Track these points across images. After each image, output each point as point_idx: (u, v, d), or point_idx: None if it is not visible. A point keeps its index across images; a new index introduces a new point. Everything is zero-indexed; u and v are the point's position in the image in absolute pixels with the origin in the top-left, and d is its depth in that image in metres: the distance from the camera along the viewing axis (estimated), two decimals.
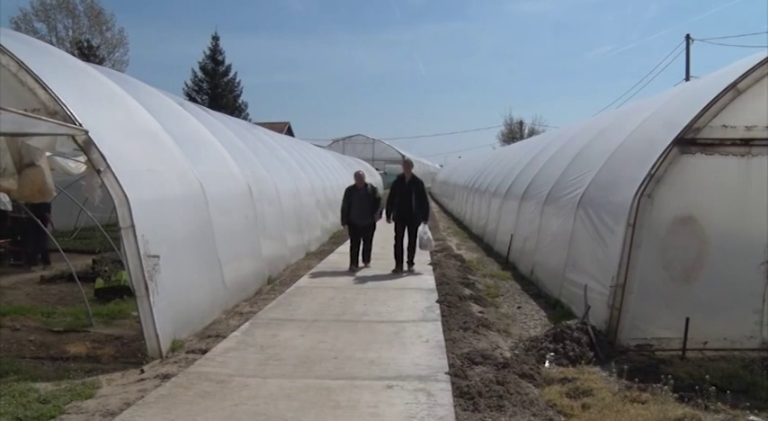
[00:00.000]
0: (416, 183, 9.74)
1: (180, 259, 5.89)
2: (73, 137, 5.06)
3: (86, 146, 5.09)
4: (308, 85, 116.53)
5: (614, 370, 4.88)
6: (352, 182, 10.31)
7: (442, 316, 6.53)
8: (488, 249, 12.94)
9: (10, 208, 9.15)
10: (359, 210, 9.85)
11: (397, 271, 9.60)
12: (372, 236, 10.16)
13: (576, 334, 5.48)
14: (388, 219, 9.85)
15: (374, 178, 36.12)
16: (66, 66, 6.43)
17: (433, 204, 31.74)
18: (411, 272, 9.64)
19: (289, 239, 10.69)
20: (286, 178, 11.84)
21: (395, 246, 9.72)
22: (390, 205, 9.82)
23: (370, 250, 10.28)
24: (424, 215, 9.79)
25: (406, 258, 9.76)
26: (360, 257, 10.15)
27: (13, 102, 4.86)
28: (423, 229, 9.74)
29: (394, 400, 4.15)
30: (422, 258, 10.93)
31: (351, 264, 9.98)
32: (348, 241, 10.64)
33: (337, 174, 20.32)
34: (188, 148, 7.16)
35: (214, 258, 6.80)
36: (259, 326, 6.21)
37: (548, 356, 5.29)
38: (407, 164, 10.02)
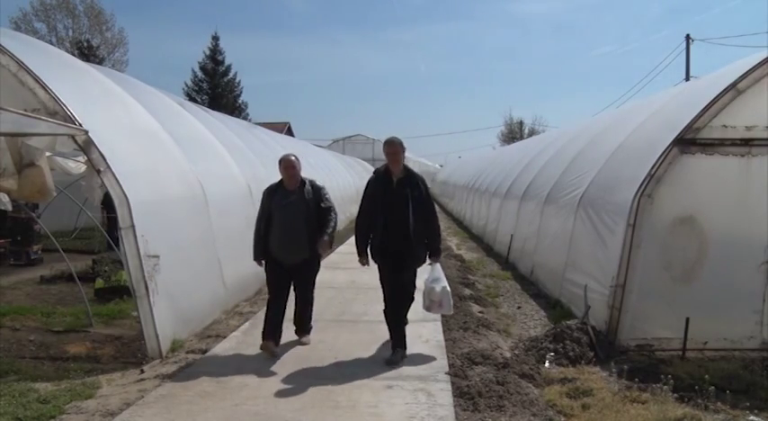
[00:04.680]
0: (414, 184, 5.14)
1: (180, 259, 5.88)
2: (73, 137, 5.06)
3: (86, 146, 5.09)
4: (308, 85, 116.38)
5: (614, 370, 4.88)
6: (314, 177, 5.70)
7: (442, 316, 6.52)
8: (488, 249, 12.94)
9: (10, 208, 9.15)
10: (286, 230, 5.25)
11: (396, 355, 5.03)
12: (312, 282, 5.59)
13: (576, 334, 5.48)
14: (362, 258, 5.23)
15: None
16: (66, 66, 6.43)
17: None
18: (401, 356, 5.05)
19: None
20: None
21: (385, 312, 5.26)
22: (366, 228, 5.23)
23: (310, 311, 5.64)
24: (431, 245, 5.26)
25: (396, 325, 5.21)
26: (289, 325, 5.54)
27: (13, 102, 4.86)
28: (433, 274, 5.38)
29: (394, 400, 4.16)
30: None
31: (264, 340, 5.23)
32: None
33: (337, 174, 20.32)
34: (188, 148, 7.16)
35: (214, 258, 6.80)
36: (259, 326, 6.19)
37: (548, 356, 5.29)
38: (393, 147, 5.15)
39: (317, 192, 5.47)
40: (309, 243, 5.31)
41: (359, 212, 5.32)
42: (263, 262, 5.45)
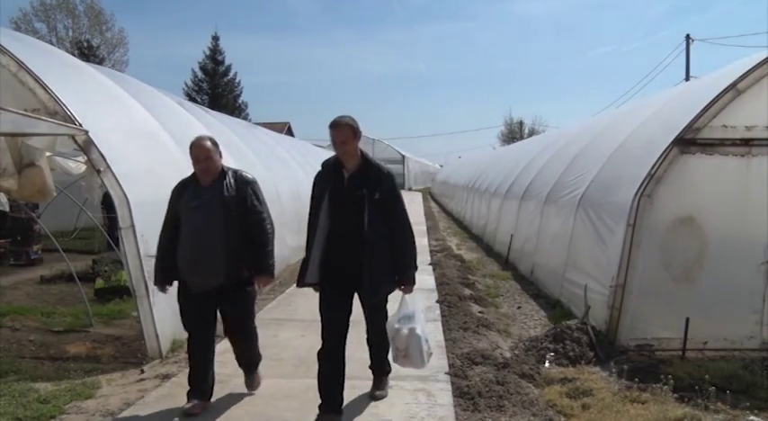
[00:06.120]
0: (375, 181, 3.74)
1: None
2: (73, 137, 5.06)
3: (86, 146, 5.09)
4: (308, 85, 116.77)
5: (614, 370, 4.88)
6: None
7: (442, 316, 6.53)
8: (488, 249, 12.93)
9: (7, 208, 9.17)
10: (194, 242, 3.85)
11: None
12: (248, 315, 4.15)
13: (576, 334, 5.48)
14: (301, 279, 3.80)
15: None
16: (66, 66, 6.43)
17: (432, 204, 31.67)
18: None
19: (288, 239, 10.69)
20: (286, 178, 11.85)
21: (320, 359, 3.76)
22: (314, 241, 3.75)
23: (254, 348, 4.25)
24: (402, 267, 3.83)
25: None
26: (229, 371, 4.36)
27: (13, 102, 4.86)
28: (402, 311, 3.89)
29: (394, 400, 4.16)
30: (421, 257, 10.88)
31: (188, 397, 3.90)
32: None
33: None
34: (188, 149, 7.15)
35: None
36: (258, 327, 6.19)
37: (548, 356, 5.29)
38: (341, 131, 3.74)
39: (243, 186, 3.93)
40: (228, 262, 3.79)
41: (308, 221, 3.85)
42: (177, 287, 4.02)
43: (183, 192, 3.97)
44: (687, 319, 5.27)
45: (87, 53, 32.20)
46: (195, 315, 3.97)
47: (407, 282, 3.87)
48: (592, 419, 4.00)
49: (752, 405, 4.23)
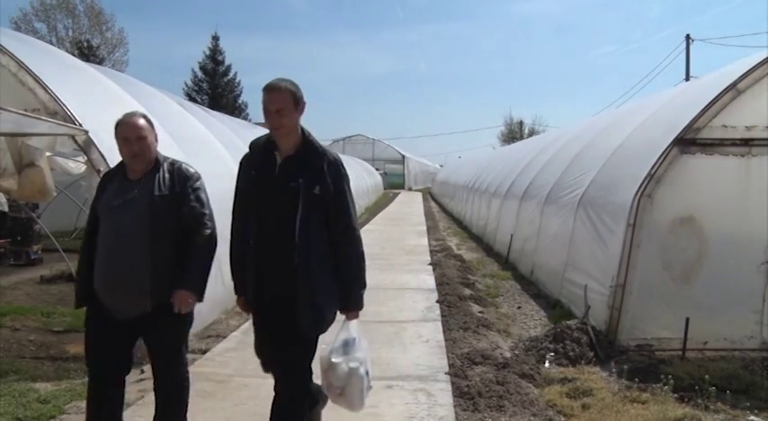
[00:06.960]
0: (316, 170, 2.78)
1: None
2: (73, 137, 5.06)
3: (86, 146, 5.09)
4: (307, 85, 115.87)
5: (614, 370, 4.89)
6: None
7: (442, 316, 6.53)
8: (488, 249, 12.93)
9: (6, 209, 9.15)
10: (113, 253, 2.89)
11: None
12: (178, 355, 3.18)
13: (576, 334, 5.48)
14: (239, 298, 3.11)
15: (373, 179, 35.69)
16: (66, 66, 6.43)
17: (432, 204, 31.62)
18: None
19: None
20: None
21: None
22: (238, 248, 2.94)
23: (179, 415, 3.12)
24: (347, 285, 2.93)
25: None
26: None
27: (13, 102, 4.86)
28: (341, 338, 3.00)
29: (394, 400, 4.15)
30: (421, 257, 10.91)
31: None
32: None
33: None
34: (188, 148, 7.14)
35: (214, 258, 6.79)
36: None
37: (548, 356, 5.29)
38: (278, 97, 2.77)
39: (181, 183, 3.02)
40: (154, 281, 2.92)
41: (234, 213, 3.01)
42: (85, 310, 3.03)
43: (108, 184, 3.06)
44: (687, 319, 5.27)
45: (87, 53, 32.22)
46: (99, 352, 2.99)
47: (354, 307, 2.99)
48: (592, 419, 4.00)
49: (752, 405, 4.23)
